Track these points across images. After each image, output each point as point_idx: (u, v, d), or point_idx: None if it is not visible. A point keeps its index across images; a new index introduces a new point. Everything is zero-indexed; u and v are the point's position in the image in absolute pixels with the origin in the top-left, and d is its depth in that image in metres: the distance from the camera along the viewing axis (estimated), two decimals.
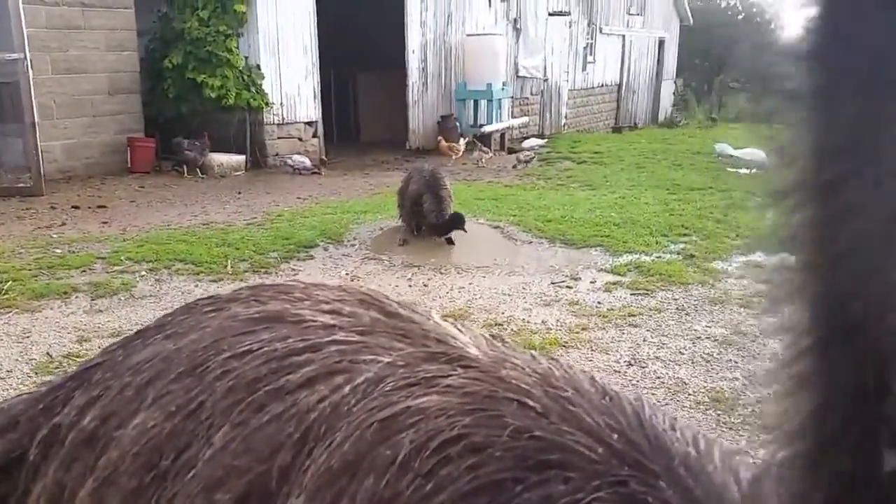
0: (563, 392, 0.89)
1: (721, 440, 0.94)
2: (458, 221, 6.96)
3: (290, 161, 11.77)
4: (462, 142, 13.57)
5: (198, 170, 11.18)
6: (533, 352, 1.06)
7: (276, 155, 12.32)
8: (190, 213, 8.53)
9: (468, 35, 15.36)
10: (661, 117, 25.40)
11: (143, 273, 6.00)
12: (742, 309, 5.41)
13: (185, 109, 11.69)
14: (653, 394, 4.03)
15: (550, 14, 18.52)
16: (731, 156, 12.28)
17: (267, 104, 12.00)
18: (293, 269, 6.26)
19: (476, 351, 0.99)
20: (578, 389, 0.90)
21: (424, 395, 0.89)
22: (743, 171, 11.89)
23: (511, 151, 14.60)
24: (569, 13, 19.40)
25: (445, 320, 1.11)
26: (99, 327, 4.78)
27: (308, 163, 11.84)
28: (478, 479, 0.79)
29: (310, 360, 0.98)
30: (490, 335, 1.09)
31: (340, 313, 1.08)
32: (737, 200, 9.47)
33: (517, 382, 0.90)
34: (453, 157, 13.19)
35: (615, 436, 0.82)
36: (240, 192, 10.03)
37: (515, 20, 17.27)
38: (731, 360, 4.48)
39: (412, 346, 1.00)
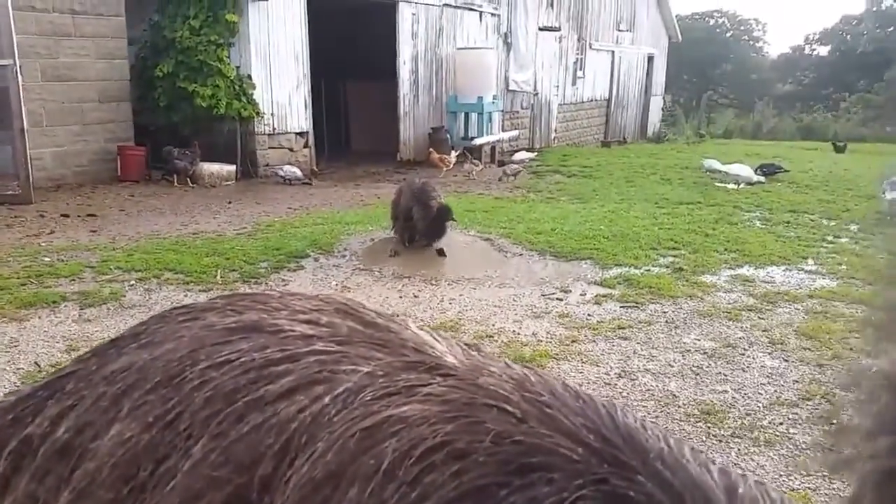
0: (540, 396, 0.89)
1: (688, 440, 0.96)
2: (445, 214, 6.98)
3: (280, 171, 11.76)
4: (453, 154, 13.61)
5: (188, 179, 11.15)
6: (507, 359, 1.06)
7: (267, 165, 12.31)
8: (180, 223, 8.49)
9: (459, 48, 15.46)
10: (649, 132, 25.61)
11: (133, 282, 5.97)
12: (731, 322, 5.44)
13: (176, 118, 11.67)
14: (643, 406, 4.05)
15: (541, 29, 18.67)
16: (719, 171, 12.39)
17: (258, 114, 12.00)
18: (283, 280, 6.25)
19: (453, 359, 0.99)
20: (554, 393, 0.91)
21: (405, 403, 0.89)
22: (731, 186, 12.00)
23: (501, 164, 14.66)
24: (559, 28, 19.57)
25: (422, 329, 1.11)
26: (88, 337, 4.74)
27: (299, 173, 11.84)
28: (462, 485, 0.80)
29: (289, 371, 0.97)
30: (466, 343, 1.10)
31: (318, 323, 1.08)
32: (724, 215, 9.56)
33: (495, 389, 0.91)
34: (444, 169, 13.23)
35: (592, 436, 0.84)
36: (230, 202, 10.00)
37: (506, 35, 17.40)
38: (720, 372, 4.51)
39: (391, 356, 1.00)
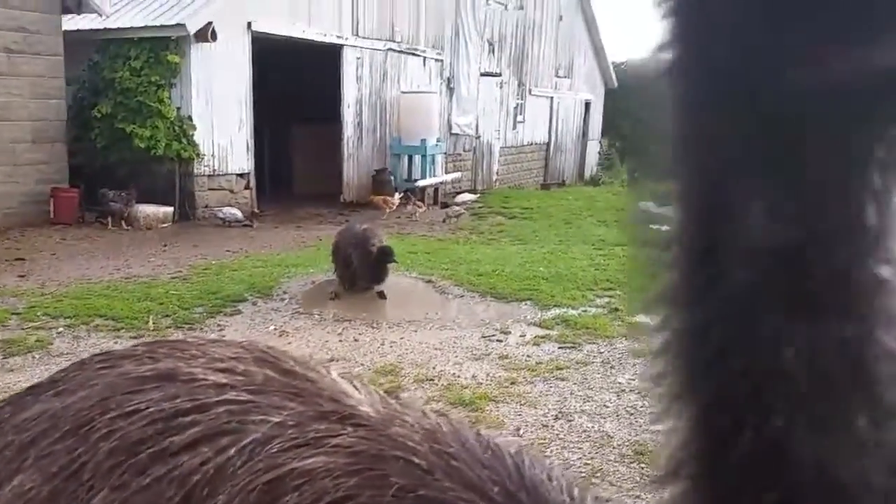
0: (449, 448, 0.91)
1: (594, 488, 1.01)
2: (386, 255, 6.99)
3: (220, 213, 11.62)
4: (396, 196, 13.70)
5: (123, 221, 10.90)
6: (425, 408, 1.09)
7: (206, 207, 12.15)
8: (112, 267, 8.28)
9: (403, 92, 15.69)
10: (587, 175, 26.30)
11: (61, 329, 5.77)
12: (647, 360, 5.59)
13: (113, 159, 11.45)
14: (579, 448, 4.11)
15: (482, 74, 19.13)
16: (654, 212, 12.77)
17: (198, 155, 11.87)
18: (219, 325, 6.14)
19: (368, 409, 0.99)
20: (464, 444, 0.92)
21: (312, 455, 0.89)
22: (665, 227, 12.38)
23: (444, 206, 14.82)
24: (500, 74, 20.09)
25: (343, 376, 1.11)
26: (10, 387, 4.55)
27: (239, 214, 11.72)
28: None
29: (196, 421, 0.96)
30: (386, 391, 1.11)
31: (234, 371, 1.07)
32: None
33: (404, 440, 0.92)
34: (387, 210, 13.30)
35: (496, 489, 0.86)
36: (166, 245, 9.81)
37: (449, 79, 17.77)
38: (652, 412, 4.61)
39: (304, 405, 0.99)
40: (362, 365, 5.31)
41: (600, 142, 28.52)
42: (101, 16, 11.21)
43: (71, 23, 11.27)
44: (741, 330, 0.42)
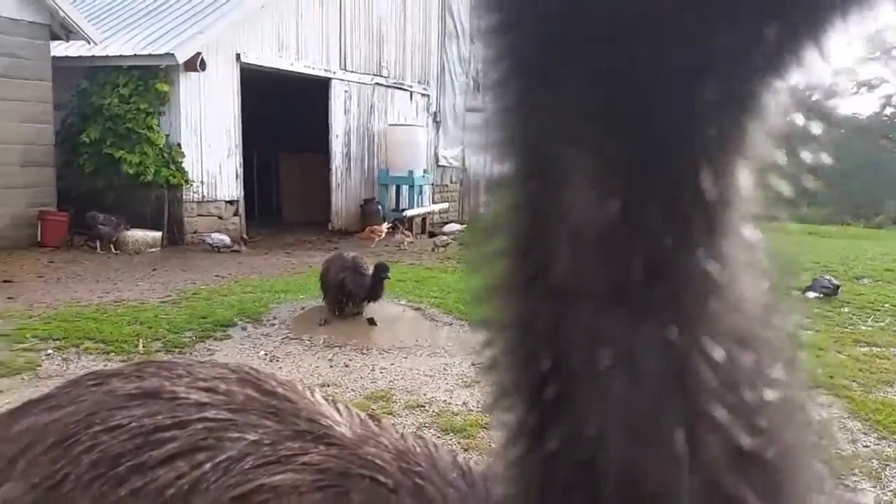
0: (417, 467, 0.93)
1: None
2: (382, 270, 7.04)
3: (209, 239, 11.62)
4: (384, 225, 13.79)
5: (111, 245, 10.87)
6: (404, 431, 1.10)
7: (195, 232, 12.15)
8: (101, 290, 8.24)
9: (390, 124, 15.89)
10: None
11: (50, 352, 5.73)
12: None
13: (102, 184, 11.45)
14: None
15: (468, 110, 19.43)
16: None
17: (187, 182, 11.91)
18: (209, 349, 6.13)
19: (344, 429, 1.02)
20: (435, 465, 0.94)
21: (281, 472, 0.92)
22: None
23: (432, 235, 14.91)
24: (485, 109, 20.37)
25: (325, 398, 1.13)
26: None
27: (227, 240, 11.73)
28: None
29: (175, 437, 0.99)
30: (368, 414, 1.13)
31: (216, 391, 1.09)
32: None
33: (374, 459, 0.94)
34: (376, 239, 13.36)
35: None
36: (154, 269, 9.78)
37: (435, 114, 18.02)
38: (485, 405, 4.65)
39: (280, 424, 1.02)
40: (353, 391, 5.32)
41: None
42: (89, 43, 11.31)
43: (60, 49, 11.35)
44: (556, 326, 0.38)
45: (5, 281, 8.38)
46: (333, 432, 1.00)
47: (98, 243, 10.82)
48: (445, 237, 13.37)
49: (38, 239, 10.65)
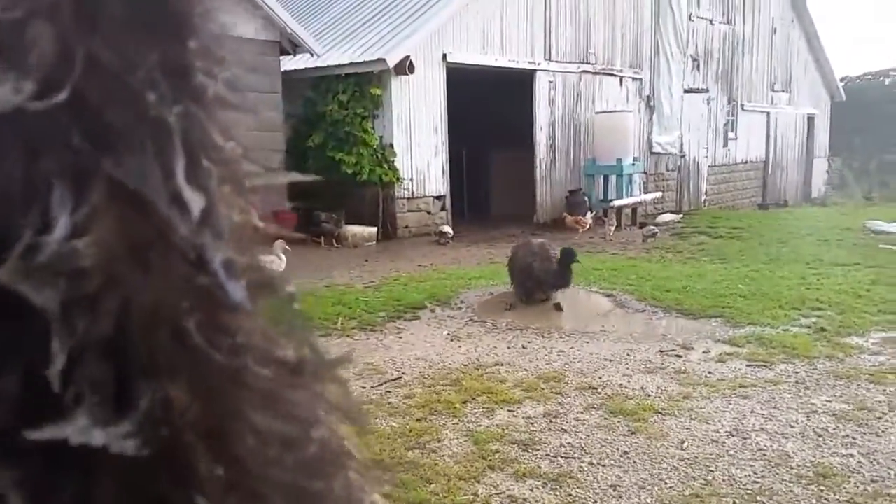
0: None
1: None
2: (570, 255, 6.87)
3: (438, 229, 12.35)
4: (589, 216, 13.47)
5: (333, 240, 11.88)
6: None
7: (406, 227, 12.84)
8: (316, 277, 9.03)
9: (597, 112, 15.47)
10: (813, 194, 23.89)
11: None
12: (872, 384, 4.86)
13: (324, 185, 12.56)
14: (750, 465, 3.69)
15: (686, 91, 18.28)
16: (885, 231, 11.25)
17: (398, 179, 12.62)
18: (398, 328, 6.43)
19: None
20: None
21: None
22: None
23: (643, 226, 14.28)
24: (707, 90, 19.04)
25: None
26: None
27: (447, 230, 12.36)
28: None
29: None
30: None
31: None
32: (884, 276, 8.62)
33: None
34: (580, 230, 13.11)
35: None
36: (367, 260, 10.50)
37: (648, 97, 17.21)
38: (847, 435, 4.02)
39: None
40: (525, 370, 5.25)
41: (829, 159, 25.82)
42: (313, 56, 12.44)
43: (288, 63, 12.63)
44: None
45: None
46: None
47: (322, 239, 11.88)
48: (653, 227, 12.70)
49: None
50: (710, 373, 5.27)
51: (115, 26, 0.29)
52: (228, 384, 0.29)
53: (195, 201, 0.28)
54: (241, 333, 0.30)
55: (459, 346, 5.87)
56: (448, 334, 6.24)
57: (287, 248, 11.46)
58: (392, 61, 12.04)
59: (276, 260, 9.37)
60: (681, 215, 15.96)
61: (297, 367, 0.32)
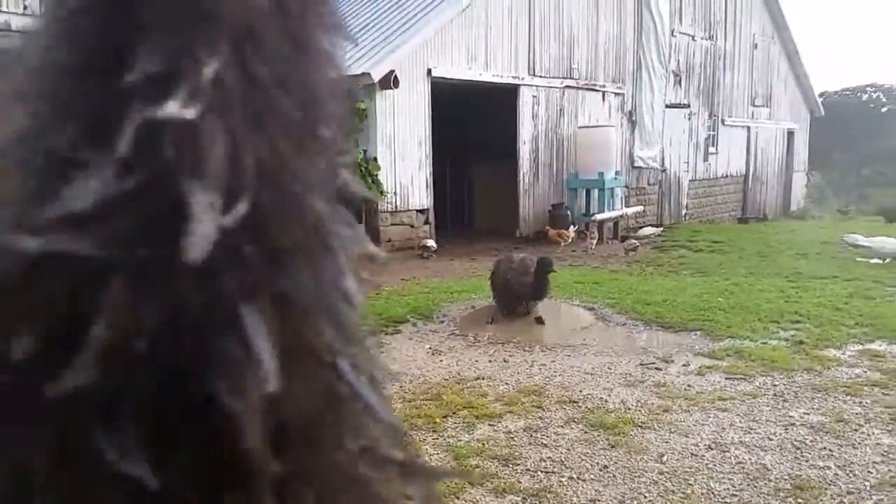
0: None
1: None
2: (546, 265, 6.88)
3: (422, 243, 12.37)
4: (572, 229, 13.53)
5: None
6: None
7: (389, 241, 12.82)
8: None
9: (580, 127, 15.59)
10: (793, 208, 24.17)
11: None
12: (849, 396, 4.91)
13: None
14: (728, 479, 3.71)
15: (668, 106, 18.47)
16: (862, 245, 11.40)
17: (382, 193, 12.61)
18: (380, 343, 6.40)
19: None
20: None
21: None
22: (874, 261, 10.98)
23: (624, 239, 14.36)
24: (688, 105, 19.27)
25: None
26: None
27: (431, 244, 12.40)
28: None
29: None
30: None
31: None
32: (861, 290, 8.74)
33: None
34: (562, 243, 13.15)
35: None
36: None
37: (630, 112, 17.37)
38: (825, 447, 4.05)
39: None
40: (506, 384, 5.25)
41: (808, 174, 26.17)
42: None
43: None
44: None
45: None
46: None
47: None
48: (634, 241, 12.79)
49: None
50: (689, 386, 5.30)
51: (282, 129, 0.29)
52: (348, 485, 0.31)
53: (349, 314, 0.30)
54: (365, 436, 0.32)
55: (441, 360, 5.87)
56: (430, 348, 6.23)
57: None
58: (377, 76, 12.06)
59: None
60: (661, 229, 16.07)
61: (407, 468, 0.34)
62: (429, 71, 13.11)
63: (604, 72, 16.63)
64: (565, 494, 3.60)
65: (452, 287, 8.85)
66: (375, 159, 12.60)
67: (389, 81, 12.35)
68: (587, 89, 16.20)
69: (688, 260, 12.07)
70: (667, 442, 4.24)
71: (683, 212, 19.55)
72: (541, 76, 15.07)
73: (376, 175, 12.59)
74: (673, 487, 3.64)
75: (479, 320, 7.10)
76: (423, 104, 13.16)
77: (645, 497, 3.56)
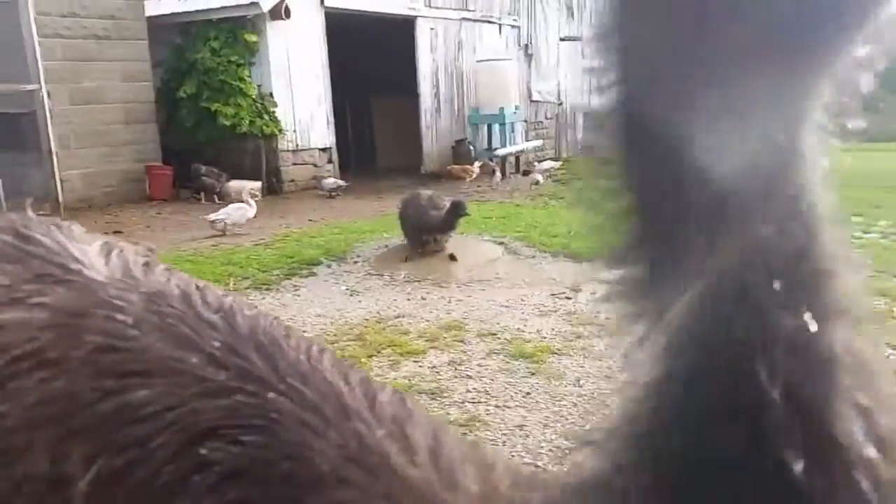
0: (167, 307, 0.90)
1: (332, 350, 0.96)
2: (459, 208, 6.96)
3: (322, 183, 12.03)
4: (476, 165, 13.64)
5: (215, 196, 11.38)
6: (181, 277, 1.06)
7: (292, 181, 12.50)
8: (202, 237, 8.67)
9: (479, 61, 15.54)
10: None
11: None
12: None
13: (202, 138, 11.94)
14: None
15: (562, 39, 18.67)
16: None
17: (280, 131, 12.21)
18: (294, 286, 6.32)
19: (95, 273, 0.99)
20: (190, 304, 0.91)
21: (10, 311, 0.92)
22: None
23: (526, 174, 14.64)
24: (582, 38, 19.54)
25: (96, 245, 1.09)
26: None
27: (338, 182, 12.09)
28: (49, 391, 0.83)
29: None
30: (149, 257, 1.11)
31: None
32: None
33: (117, 300, 0.91)
34: (467, 179, 13.27)
35: (217, 343, 0.84)
36: (254, 216, 10.15)
37: (526, 46, 17.45)
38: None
39: (22, 268, 1.01)
40: (427, 321, 5.34)
41: None
42: None
43: (153, 7, 11.77)
44: None
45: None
46: (82, 276, 0.99)
47: (202, 195, 11.35)
48: (535, 175, 13.07)
49: (147, 192, 11.31)
50: (598, 312, 5.57)
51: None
52: None
53: None
54: None
55: (359, 301, 5.87)
56: (346, 289, 6.22)
57: (257, 194, 11.05)
58: (266, 5, 11.50)
59: (248, 207, 8.98)
60: (560, 162, 16.49)
61: None
62: (321, 1, 12.61)
63: (500, 3, 16.54)
64: (493, 422, 3.75)
65: (363, 227, 8.79)
66: (271, 94, 12.15)
67: (281, 11, 11.81)
68: (484, 21, 16.10)
69: None
70: (582, 367, 4.47)
71: (580, 145, 20.08)
72: (437, 7, 14.81)
73: (273, 112, 12.16)
74: (592, 409, 3.86)
75: (394, 259, 7.12)
76: (317, 36, 12.70)
77: (567, 419, 3.76)
